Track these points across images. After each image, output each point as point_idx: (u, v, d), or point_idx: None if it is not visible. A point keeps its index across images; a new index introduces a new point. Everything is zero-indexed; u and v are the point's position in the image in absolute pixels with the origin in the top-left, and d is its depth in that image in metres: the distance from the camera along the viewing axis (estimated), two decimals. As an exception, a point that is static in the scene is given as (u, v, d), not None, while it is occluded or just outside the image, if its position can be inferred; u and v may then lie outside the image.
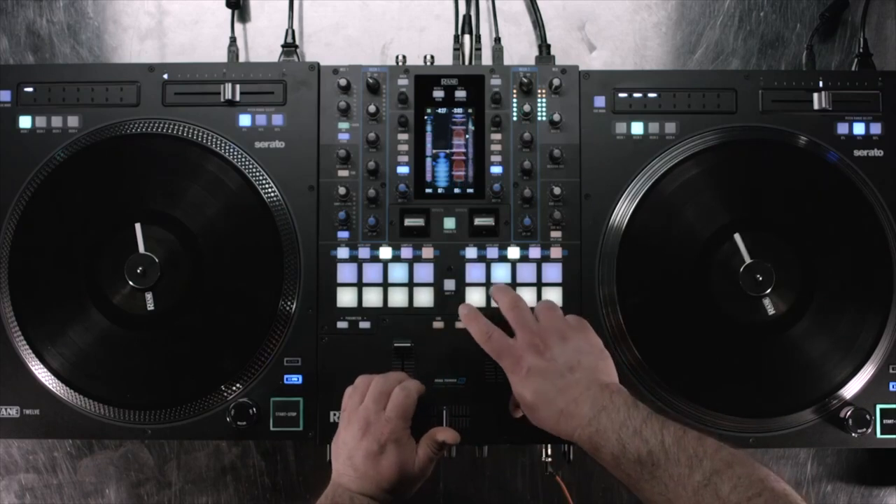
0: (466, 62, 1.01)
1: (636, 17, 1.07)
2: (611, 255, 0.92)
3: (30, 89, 0.94)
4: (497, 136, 0.94)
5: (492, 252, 0.93)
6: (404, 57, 0.96)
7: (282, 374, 0.92)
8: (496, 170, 0.93)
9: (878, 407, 0.91)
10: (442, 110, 0.94)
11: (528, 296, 0.92)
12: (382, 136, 0.94)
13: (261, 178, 0.92)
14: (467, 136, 0.94)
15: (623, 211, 0.92)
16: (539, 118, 0.94)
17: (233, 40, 1.02)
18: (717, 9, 1.07)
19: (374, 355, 0.91)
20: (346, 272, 0.93)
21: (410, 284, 0.93)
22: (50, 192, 0.91)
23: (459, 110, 0.94)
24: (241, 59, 1.05)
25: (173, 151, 0.93)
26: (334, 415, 0.91)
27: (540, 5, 1.04)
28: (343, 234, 0.93)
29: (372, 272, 0.93)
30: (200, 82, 0.94)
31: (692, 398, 0.91)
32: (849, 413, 0.89)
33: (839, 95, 0.93)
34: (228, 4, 1.03)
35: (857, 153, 0.93)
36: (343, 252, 0.93)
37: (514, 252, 0.93)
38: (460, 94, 0.94)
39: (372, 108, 0.93)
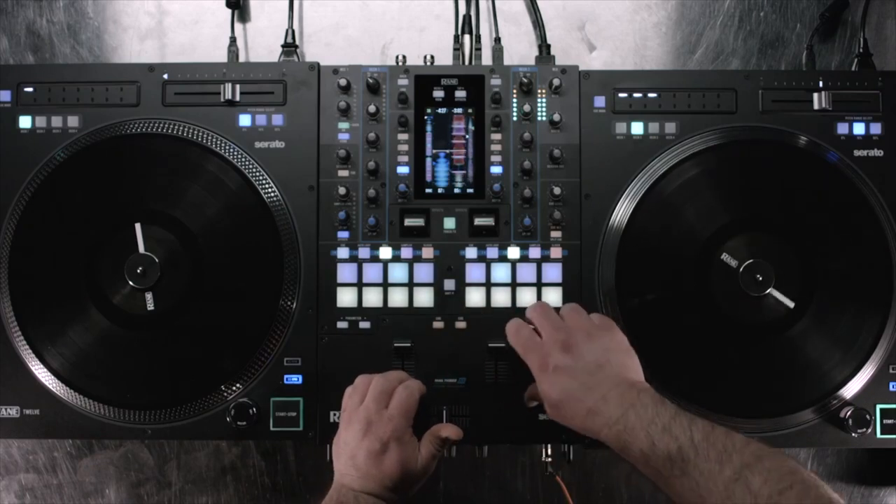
0: (466, 62, 1.01)
1: (636, 17, 1.07)
2: (611, 255, 0.92)
3: (30, 89, 0.94)
4: (497, 136, 0.94)
5: (492, 252, 0.93)
6: (404, 57, 0.96)
7: (282, 374, 0.92)
8: (496, 170, 0.93)
9: (878, 407, 0.91)
10: (442, 110, 0.94)
11: (528, 296, 0.92)
12: (382, 136, 0.94)
13: (261, 178, 0.92)
14: (467, 136, 0.94)
15: (623, 211, 0.92)
16: (539, 118, 0.94)
17: (233, 40, 1.02)
18: (717, 9, 1.07)
19: (374, 355, 0.91)
20: (346, 272, 0.93)
21: (410, 284, 0.93)
22: (50, 192, 0.92)
23: (459, 110, 0.94)
24: (241, 59, 1.05)
25: (173, 151, 0.93)
26: (334, 415, 0.91)
27: (540, 5, 1.04)
28: (343, 234, 0.93)
29: (372, 272, 0.93)
30: (200, 82, 0.94)
31: (692, 398, 0.91)
32: (849, 413, 0.89)
33: (839, 95, 0.93)
34: (228, 4, 1.03)
35: (857, 153, 0.93)
36: (343, 252, 0.93)
37: (514, 252, 0.93)
38: (460, 94, 0.94)
39: (372, 108, 0.93)
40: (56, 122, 0.94)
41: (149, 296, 0.90)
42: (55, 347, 0.90)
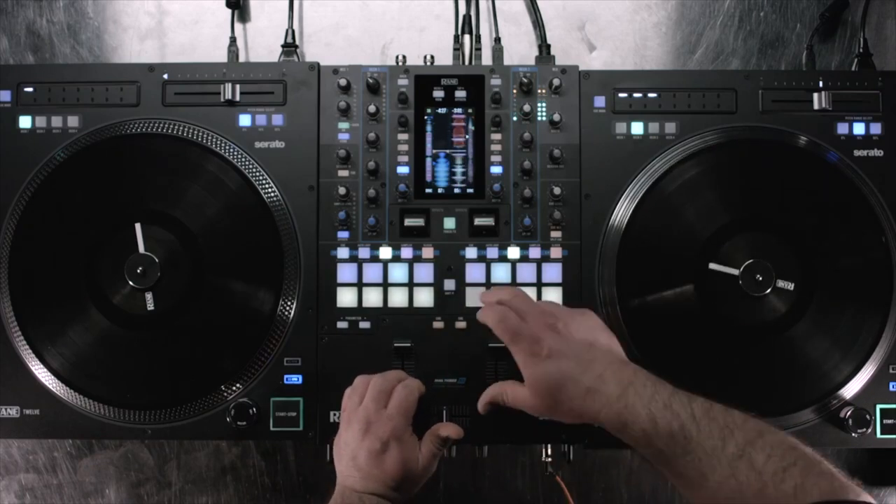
0: (466, 62, 1.01)
1: (636, 17, 1.07)
2: (611, 255, 0.92)
3: (30, 89, 0.94)
4: (497, 136, 0.94)
5: (492, 252, 0.93)
6: (404, 57, 0.96)
7: (282, 374, 0.92)
8: (496, 170, 0.93)
9: (878, 407, 0.91)
10: (442, 110, 0.94)
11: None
12: (382, 136, 0.94)
13: (261, 178, 0.92)
14: (467, 136, 0.94)
15: (623, 211, 0.92)
16: (539, 118, 0.94)
17: (233, 40, 1.02)
18: (717, 9, 1.07)
19: (374, 355, 0.91)
20: (346, 272, 0.93)
21: (410, 284, 0.93)
22: (50, 192, 0.91)
23: (459, 110, 0.94)
24: (241, 59, 1.05)
25: (173, 151, 0.93)
26: (334, 415, 0.91)
27: (540, 5, 1.04)
28: (343, 234, 0.93)
29: (372, 272, 0.93)
30: (200, 82, 0.94)
31: (692, 398, 0.91)
32: (849, 413, 0.89)
33: (839, 95, 0.93)
34: (228, 4, 1.03)
35: (857, 153, 0.93)
36: (343, 252, 0.93)
37: (514, 252, 0.93)
38: (460, 94, 0.94)
39: (372, 108, 0.93)
40: (56, 122, 0.94)
41: (149, 296, 0.90)
42: (55, 347, 0.90)
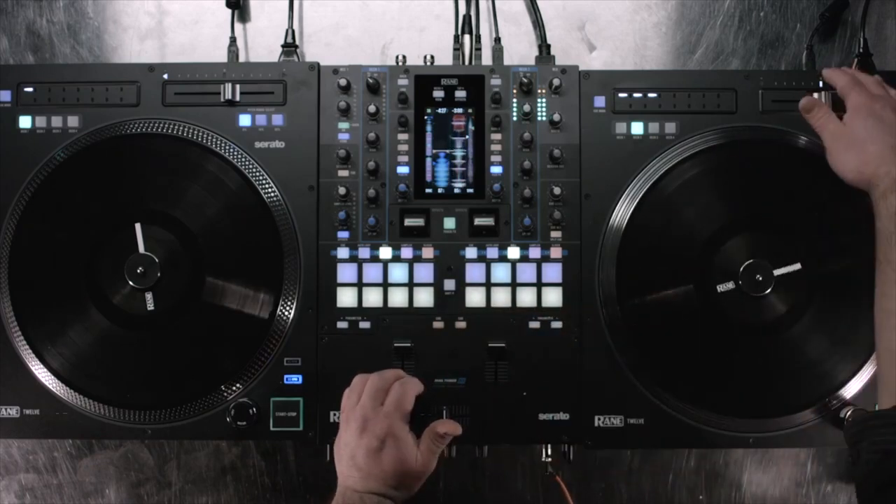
0: (466, 62, 1.01)
1: (636, 17, 1.07)
2: (611, 255, 0.92)
3: (30, 89, 0.94)
4: (497, 136, 0.94)
5: (492, 252, 0.93)
6: (404, 57, 0.96)
7: (282, 374, 0.92)
8: (496, 170, 0.93)
9: (878, 407, 0.91)
10: (442, 110, 0.94)
11: (527, 296, 0.92)
12: (382, 136, 0.94)
13: (261, 178, 0.92)
14: (467, 136, 0.94)
15: (623, 211, 0.92)
16: (539, 118, 0.94)
17: (233, 40, 1.02)
18: (717, 9, 1.07)
19: (374, 355, 0.91)
20: (346, 272, 0.93)
21: (410, 284, 0.93)
22: (50, 192, 0.91)
23: (459, 110, 0.94)
24: (241, 59, 1.05)
25: (173, 151, 0.93)
26: (334, 415, 0.91)
27: (540, 5, 1.04)
28: (343, 234, 0.93)
29: (372, 272, 0.93)
30: (200, 82, 0.94)
31: (692, 398, 0.91)
32: (849, 413, 0.89)
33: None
34: (228, 4, 1.03)
35: (857, 153, 0.93)
36: (343, 252, 0.93)
37: (514, 252, 0.93)
38: (460, 94, 0.94)
39: (372, 108, 0.93)
40: (56, 122, 0.94)
41: (149, 296, 0.90)
42: (55, 347, 0.90)
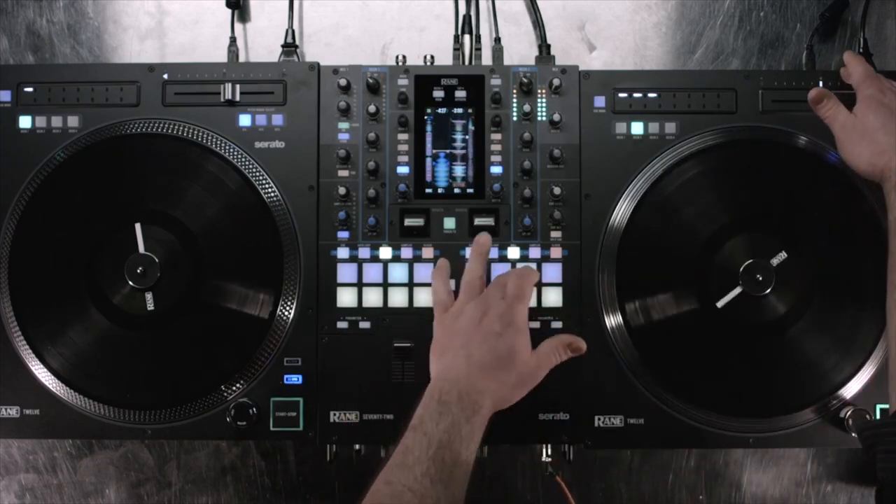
0: (466, 62, 1.01)
1: (636, 17, 1.07)
2: (611, 255, 0.92)
3: (30, 89, 0.94)
4: (497, 136, 0.94)
5: (492, 252, 0.93)
6: (404, 57, 0.96)
7: (282, 374, 0.92)
8: (496, 170, 0.93)
9: (878, 407, 0.91)
10: (442, 110, 0.94)
11: (528, 296, 0.92)
12: (382, 136, 0.94)
13: (261, 178, 0.92)
14: (467, 136, 0.94)
15: (623, 211, 0.92)
16: (539, 118, 0.94)
17: (233, 40, 1.02)
18: (717, 9, 1.07)
19: (374, 355, 0.91)
20: (346, 272, 0.93)
21: (410, 284, 0.93)
22: (50, 192, 0.92)
23: (459, 110, 0.94)
24: (241, 59, 1.05)
25: (173, 151, 0.93)
26: (334, 415, 0.91)
27: (540, 5, 1.04)
28: (343, 234, 0.93)
29: (372, 272, 0.93)
30: (200, 82, 0.94)
31: (692, 398, 0.91)
32: (849, 413, 0.89)
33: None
34: (228, 4, 1.03)
35: (857, 153, 0.93)
36: (343, 252, 0.93)
37: (514, 252, 0.93)
38: (460, 94, 0.94)
39: (372, 108, 0.93)
40: (56, 122, 0.94)
41: (149, 296, 0.90)
42: (55, 347, 0.90)
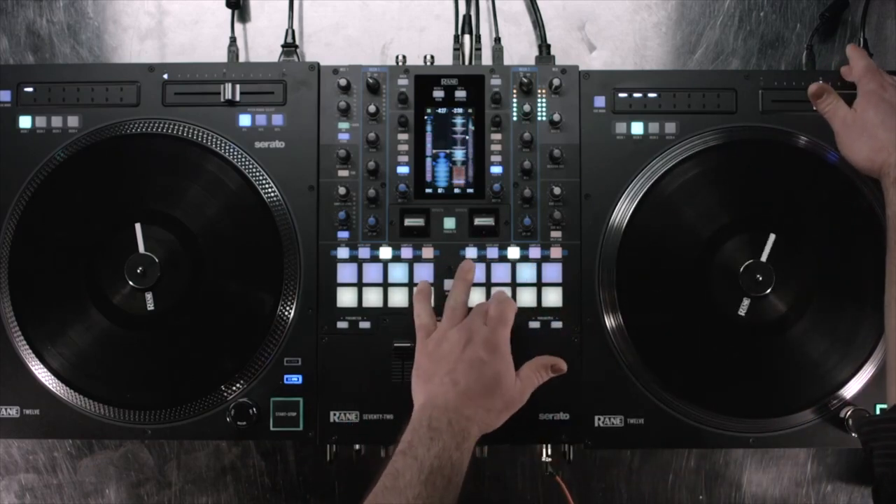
0: (466, 62, 1.01)
1: (636, 17, 1.07)
2: (611, 255, 0.92)
3: (30, 89, 0.94)
4: (497, 136, 0.94)
5: (492, 252, 0.93)
6: (404, 57, 0.96)
7: (282, 374, 0.92)
8: (496, 170, 0.93)
9: (878, 407, 0.91)
10: (442, 110, 0.94)
11: (527, 296, 0.92)
12: (382, 136, 0.94)
13: (261, 178, 0.92)
14: (467, 136, 0.94)
15: (623, 211, 0.92)
16: (539, 118, 0.94)
17: (233, 40, 1.02)
18: (717, 9, 1.07)
19: (374, 355, 0.91)
20: (346, 272, 0.93)
21: (411, 284, 0.93)
22: (50, 192, 0.91)
23: (459, 110, 0.94)
24: (241, 59, 1.05)
25: (173, 151, 0.93)
26: (334, 415, 0.91)
27: (540, 5, 1.04)
28: (343, 234, 0.93)
29: (372, 272, 0.93)
30: (200, 82, 0.94)
31: (692, 398, 0.91)
32: (849, 413, 0.89)
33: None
34: (228, 4, 1.03)
35: (857, 153, 0.93)
36: (343, 252, 0.93)
37: (514, 252, 0.93)
38: (460, 94, 0.94)
39: (372, 108, 0.93)
40: (56, 122, 0.94)
41: (149, 296, 0.90)
42: (55, 347, 0.90)
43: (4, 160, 0.93)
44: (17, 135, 0.94)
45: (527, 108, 0.93)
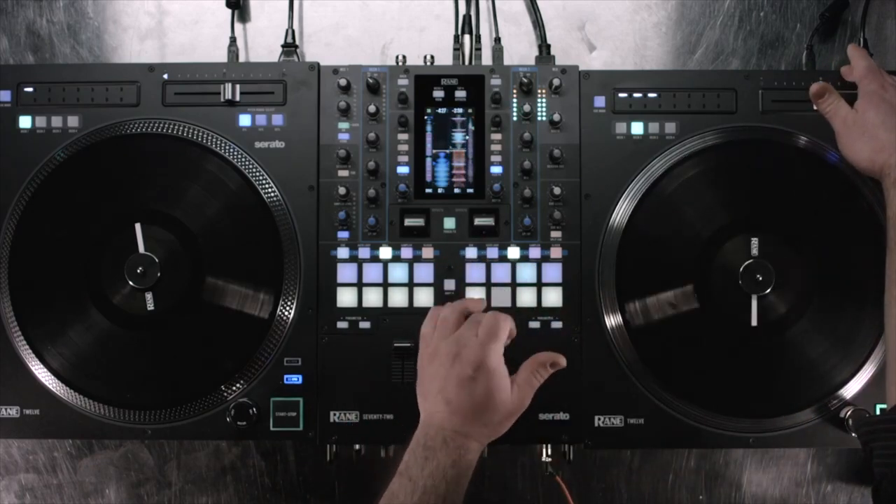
0: (466, 62, 1.01)
1: (636, 17, 1.07)
2: (611, 255, 0.92)
3: (30, 89, 0.94)
4: (497, 136, 0.94)
5: (492, 252, 0.93)
6: (404, 57, 0.96)
7: (282, 374, 0.92)
8: (496, 170, 0.93)
9: (878, 407, 0.91)
10: (442, 110, 0.94)
11: (527, 296, 0.92)
12: (382, 136, 0.94)
13: (261, 178, 0.92)
14: (467, 136, 0.94)
15: (623, 211, 0.92)
16: (539, 118, 0.94)
17: (233, 40, 1.02)
18: (717, 9, 1.07)
19: (374, 355, 0.91)
20: (346, 272, 0.93)
21: (410, 284, 0.93)
22: (50, 192, 0.92)
23: (459, 110, 0.94)
24: (241, 59, 1.05)
25: (173, 151, 0.93)
26: (334, 415, 0.91)
27: (540, 5, 1.04)
28: (343, 234, 0.93)
29: (372, 272, 0.93)
30: (200, 82, 0.94)
31: (692, 398, 0.91)
32: (849, 413, 0.89)
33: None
34: (228, 4, 1.03)
35: (857, 153, 0.93)
36: (343, 252, 0.93)
37: (514, 252, 0.93)
38: (460, 94, 0.94)
39: (372, 108, 0.93)
40: (56, 122, 0.94)
41: (149, 296, 0.90)
42: (55, 347, 0.90)
43: (4, 160, 0.93)
44: (17, 135, 0.94)
45: (527, 108, 0.93)
